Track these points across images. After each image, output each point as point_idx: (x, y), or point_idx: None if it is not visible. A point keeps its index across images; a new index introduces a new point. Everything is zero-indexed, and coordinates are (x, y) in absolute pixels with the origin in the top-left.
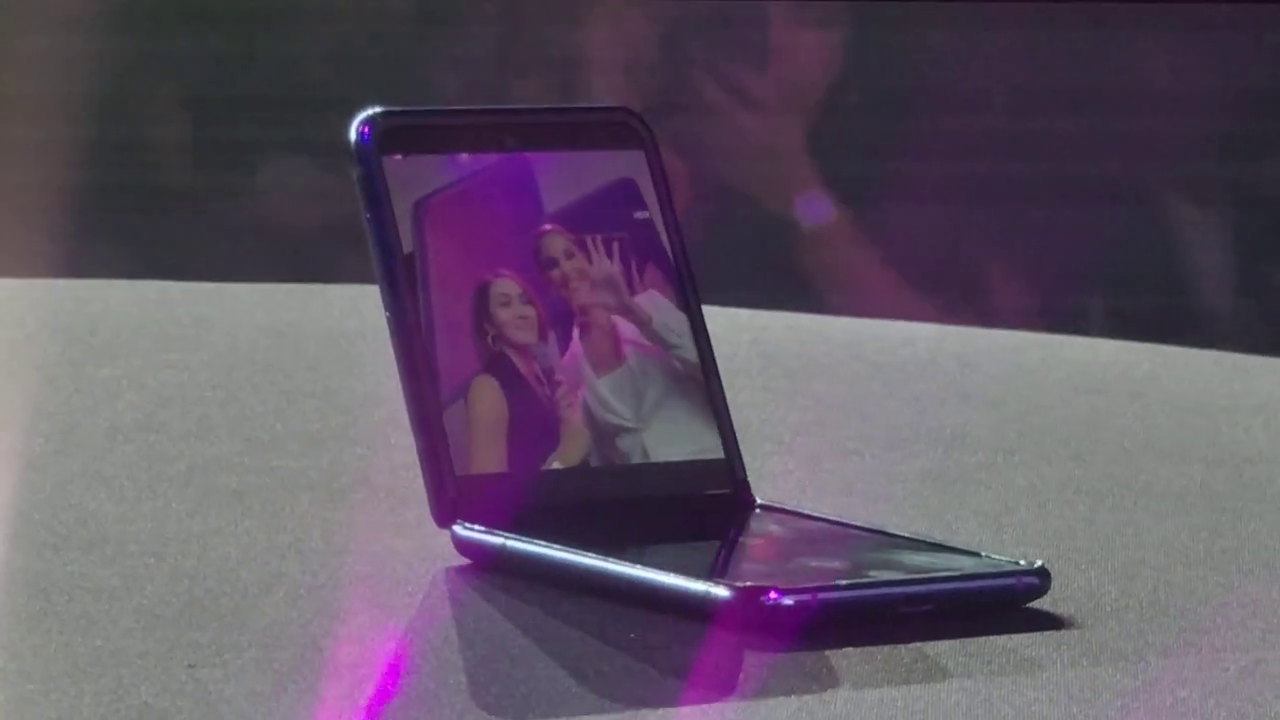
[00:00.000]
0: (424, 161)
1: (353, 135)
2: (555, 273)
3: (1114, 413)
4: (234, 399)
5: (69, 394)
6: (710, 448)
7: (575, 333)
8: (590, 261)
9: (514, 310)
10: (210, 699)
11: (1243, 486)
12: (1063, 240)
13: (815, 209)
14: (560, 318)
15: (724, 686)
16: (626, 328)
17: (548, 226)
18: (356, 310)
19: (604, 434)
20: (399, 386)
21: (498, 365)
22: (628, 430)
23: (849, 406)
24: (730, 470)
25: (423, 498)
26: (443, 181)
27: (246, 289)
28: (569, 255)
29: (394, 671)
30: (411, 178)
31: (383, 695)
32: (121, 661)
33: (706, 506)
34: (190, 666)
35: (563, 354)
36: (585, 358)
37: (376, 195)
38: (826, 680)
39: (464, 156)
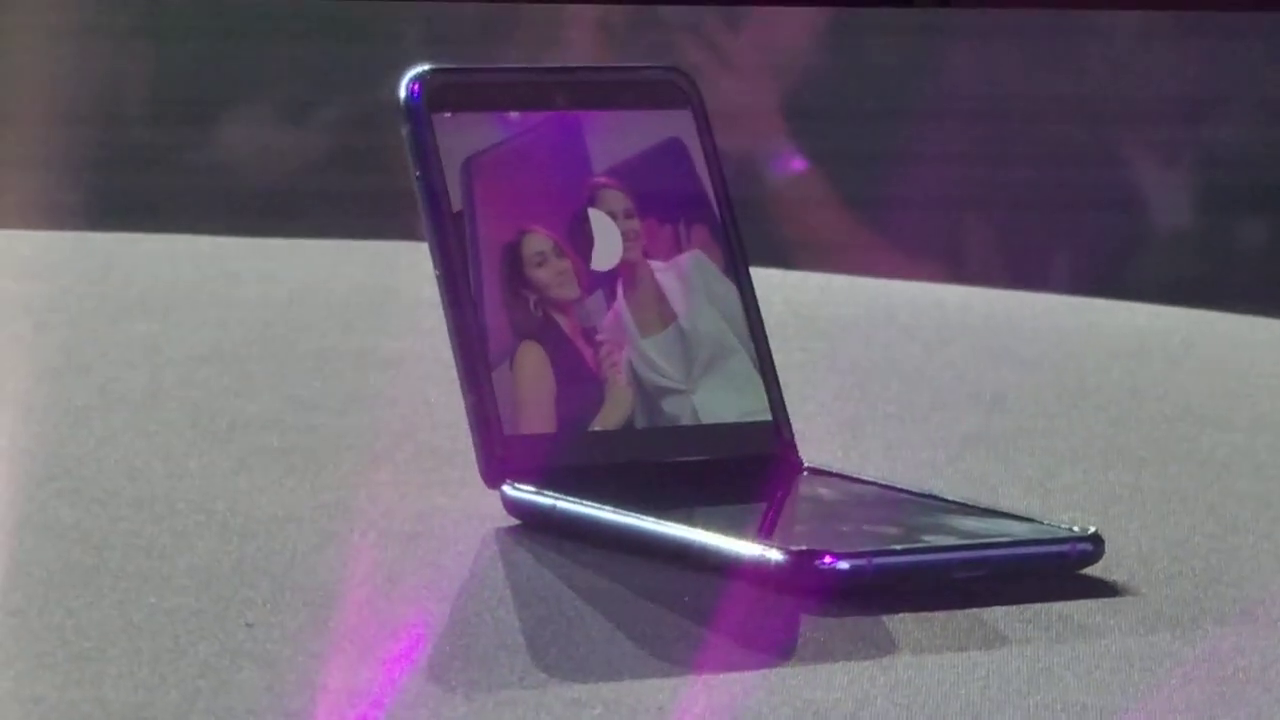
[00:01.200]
0: (473, 119)
1: (402, 93)
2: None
3: (1152, 377)
4: (271, 355)
5: (107, 348)
6: (758, 410)
7: (621, 291)
8: (639, 220)
9: (551, 268)
10: (270, 659)
11: None
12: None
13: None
14: (607, 276)
15: (780, 651)
16: (674, 287)
17: (600, 181)
18: (388, 267)
19: (651, 395)
20: (445, 344)
21: (542, 328)
22: (675, 391)
23: (886, 369)
24: (778, 432)
25: (467, 457)
26: (492, 139)
27: (276, 244)
28: (620, 213)
29: (451, 632)
30: (461, 135)
31: (441, 655)
32: (178, 620)
33: (755, 469)
34: (249, 625)
35: (608, 312)
36: (632, 317)
37: (426, 153)
38: (885, 646)
39: (513, 114)
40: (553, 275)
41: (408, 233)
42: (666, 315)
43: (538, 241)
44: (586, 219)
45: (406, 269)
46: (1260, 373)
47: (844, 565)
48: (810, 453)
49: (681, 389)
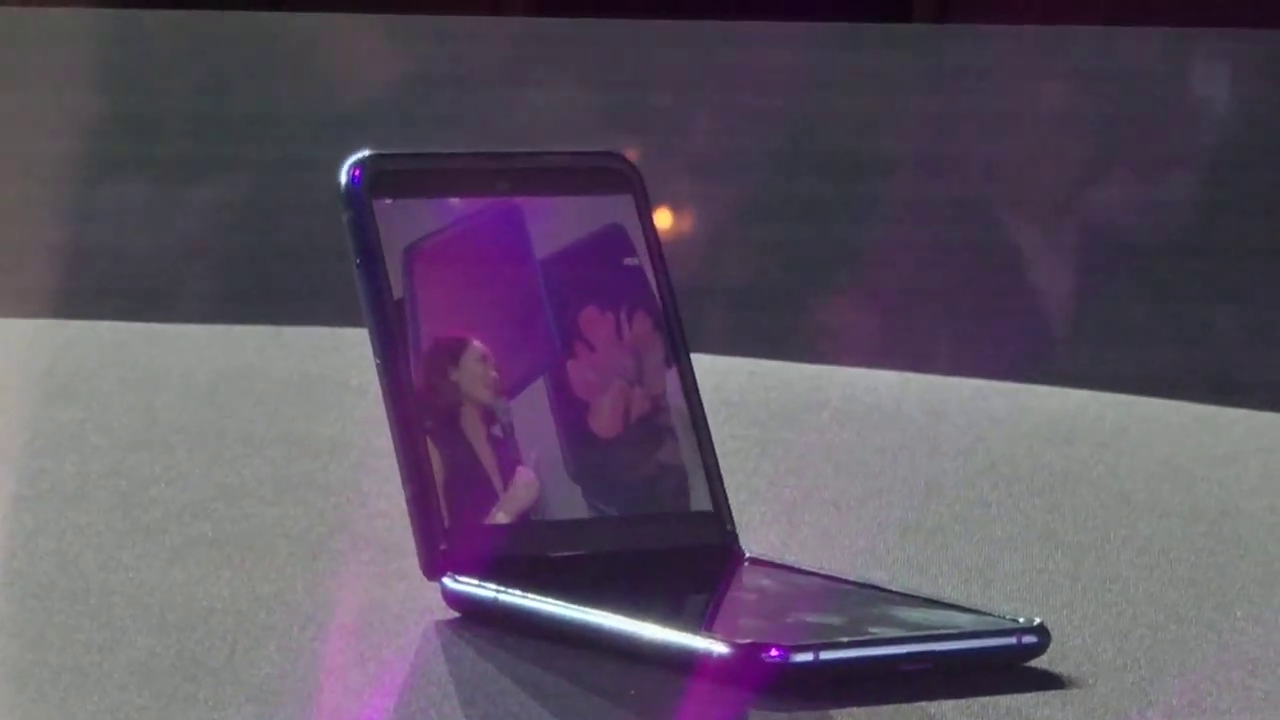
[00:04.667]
0: (414, 205)
1: (343, 178)
2: (547, 320)
3: (1085, 463)
4: (200, 444)
5: (32, 437)
6: (699, 500)
7: (556, 384)
8: (579, 309)
9: (477, 373)
10: None
11: (1222, 542)
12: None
13: None
14: (543, 367)
15: None
16: (615, 378)
17: (541, 269)
18: (313, 354)
19: (591, 485)
20: (376, 432)
21: (471, 419)
22: (616, 481)
23: (821, 456)
24: (719, 522)
25: (403, 547)
26: (434, 226)
27: (200, 330)
28: (560, 303)
29: None
30: (402, 222)
31: None
32: (121, 718)
33: (697, 559)
34: None
35: (542, 408)
36: (567, 409)
37: (367, 240)
38: None
39: (454, 200)
40: (478, 380)
41: (332, 318)
42: (607, 406)
43: (471, 347)
44: (527, 308)
45: (331, 354)
46: (1193, 458)
47: (791, 658)
48: (748, 540)
49: (621, 478)
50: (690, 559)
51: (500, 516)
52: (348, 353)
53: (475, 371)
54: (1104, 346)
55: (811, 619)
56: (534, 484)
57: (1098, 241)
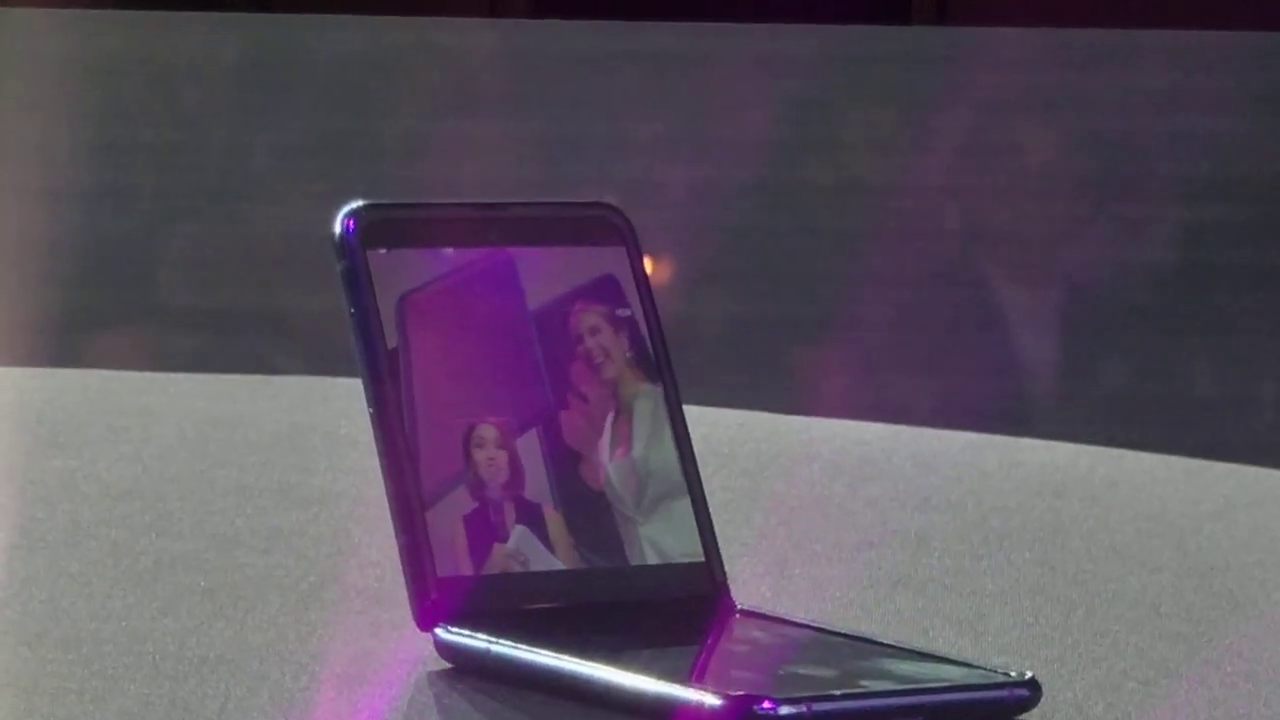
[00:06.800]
0: (408, 256)
1: (337, 229)
2: (540, 370)
3: (1075, 517)
4: (191, 493)
5: (24, 486)
6: (691, 551)
7: (550, 438)
8: (571, 361)
9: (486, 452)
10: None
11: (1213, 596)
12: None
13: None
14: (537, 418)
15: None
16: (608, 431)
17: (535, 321)
18: (302, 403)
19: (583, 536)
20: (367, 482)
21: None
22: (608, 533)
23: (810, 507)
24: (711, 574)
25: (395, 598)
26: (427, 276)
27: (187, 379)
28: (554, 356)
29: None
30: (396, 272)
31: None
32: None
33: (689, 610)
34: None
35: (541, 453)
36: (564, 457)
37: (361, 289)
38: None
39: (448, 251)
40: (485, 459)
41: (323, 367)
42: (600, 459)
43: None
44: (520, 358)
45: (321, 404)
46: (1181, 513)
47: (782, 711)
48: (739, 592)
49: (614, 530)
50: (682, 610)
51: (493, 568)
52: (338, 403)
53: (488, 452)
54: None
55: (803, 671)
56: (563, 531)
57: (1091, 270)
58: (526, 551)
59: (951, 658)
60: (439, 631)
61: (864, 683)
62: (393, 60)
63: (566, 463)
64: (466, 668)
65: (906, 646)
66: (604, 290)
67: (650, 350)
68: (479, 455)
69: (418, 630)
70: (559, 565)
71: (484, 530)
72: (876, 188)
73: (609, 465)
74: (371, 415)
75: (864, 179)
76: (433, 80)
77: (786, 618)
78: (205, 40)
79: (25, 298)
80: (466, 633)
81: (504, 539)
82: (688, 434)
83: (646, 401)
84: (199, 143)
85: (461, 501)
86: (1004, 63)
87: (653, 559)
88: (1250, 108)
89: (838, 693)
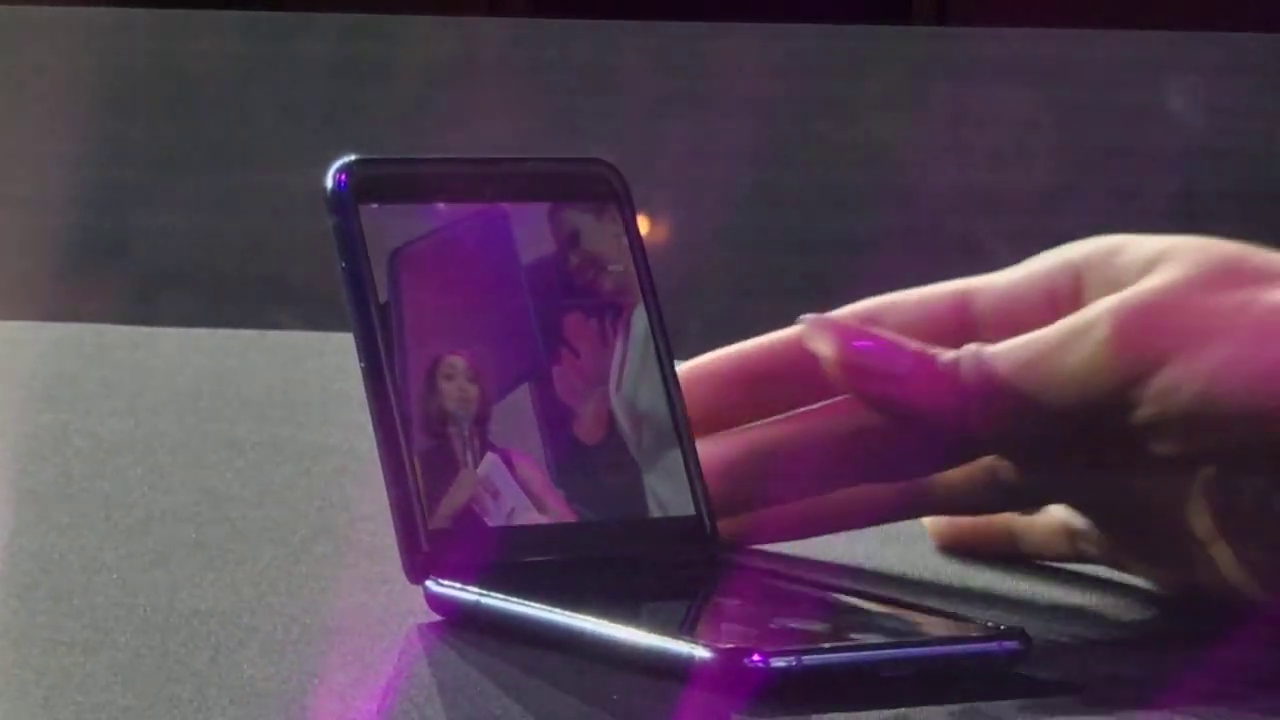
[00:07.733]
0: (400, 210)
1: (329, 183)
2: (532, 325)
3: None
4: (183, 447)
5: (15, 439)
6: (682, 504)
7: (540, 392)
8: (565, 313)
9: (457, 384)
10: None
11: None
12: None
13: None
14: (528, 373)
15: None
16: (599, 384)
17: (528, 274)
18: (295, 358)
19: (575, 490)
20: (359, 436)
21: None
22: (600, 486)
23: None
24: (702, 527)
25: (387, 551)
26: (420, 231)
27: (183, 333)
28: (548, 308)
29: None
30: (388, 226)
31: None
32: (104, 718)
33: (680, 564)
34: None
35: (533, 408)
36: (556, 412)
37: (353, 244)
38: None
39: (440, 206)
40: (455, 391)
41: (315, 323)
42: (591, 410)
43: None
44: (513, 313)
45: (314, 359)
46: None
47: (772, 663)
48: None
49: (606, 483)
50: (674, 564)
51: (483, 520)
52: (331, 357)
53: (451, 390)
54: None
55: (793, 625)
56: (552, 488)
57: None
58: (497, 483)
59: (942, 611)
60: (430, 584)
61: (854, 636)
62: (392, 59)
63: (559, 416)
64: (457, 620)
65: (898, 600)
66: (598, 246)
67: (642, 306)
68: (448, 386)
69: (409, 583)
70: (550, 519)
71: (450, 462)
72: (877, 187)
73: (602, 415)
74: (363, 369)
75: (864, 178)
76: (431, 78)
77: (778, 572)
78: (196, 38)
79: (18, 254)
80: (457, 585)
81: (489, 494)
82: (680, 389)
83: (638, 356)
84: (196, 144)
85: (452, 456)
86: (1004, 63)
87: (646, 512)
88: (1255, 110)
89: (827, 646)
